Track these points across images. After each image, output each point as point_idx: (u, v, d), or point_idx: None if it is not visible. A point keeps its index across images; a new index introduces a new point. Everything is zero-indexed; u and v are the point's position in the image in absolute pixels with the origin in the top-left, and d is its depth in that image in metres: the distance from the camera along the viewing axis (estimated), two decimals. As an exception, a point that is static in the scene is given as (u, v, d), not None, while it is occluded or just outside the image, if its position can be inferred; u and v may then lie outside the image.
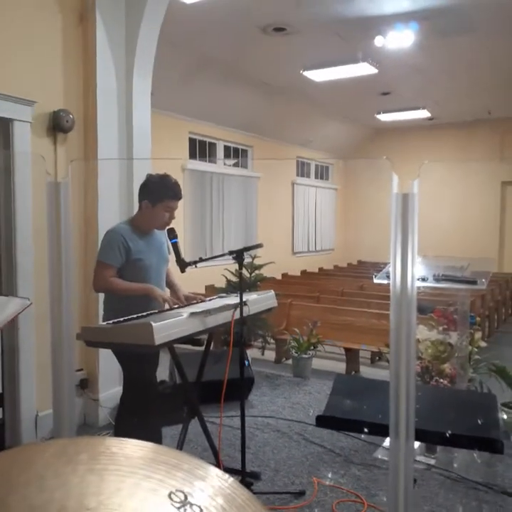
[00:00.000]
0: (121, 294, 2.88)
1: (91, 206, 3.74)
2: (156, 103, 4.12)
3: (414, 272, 1.12)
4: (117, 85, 3.78)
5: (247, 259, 5.12)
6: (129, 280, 2.89)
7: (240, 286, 2.72)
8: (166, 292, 3.05)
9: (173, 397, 3.84)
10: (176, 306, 2.90)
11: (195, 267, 2.90)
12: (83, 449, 0.78)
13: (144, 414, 2.99)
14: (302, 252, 10.83)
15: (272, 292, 3.29)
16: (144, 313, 2.74)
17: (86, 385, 3.79)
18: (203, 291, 7.20)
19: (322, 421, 1.70)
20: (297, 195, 10.64)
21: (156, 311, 2.82)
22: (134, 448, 0.85)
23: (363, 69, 6.69)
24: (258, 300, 3.09)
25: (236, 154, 9.14)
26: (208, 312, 2.63)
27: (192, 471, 0.85)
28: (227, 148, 8.90)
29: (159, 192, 2.92)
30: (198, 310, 2.61)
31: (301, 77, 7.15)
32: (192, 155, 8.16)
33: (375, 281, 3.44)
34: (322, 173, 11.86)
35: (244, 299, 2.67)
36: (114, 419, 3.40)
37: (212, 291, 7.06)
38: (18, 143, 3.33)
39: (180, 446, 2.85)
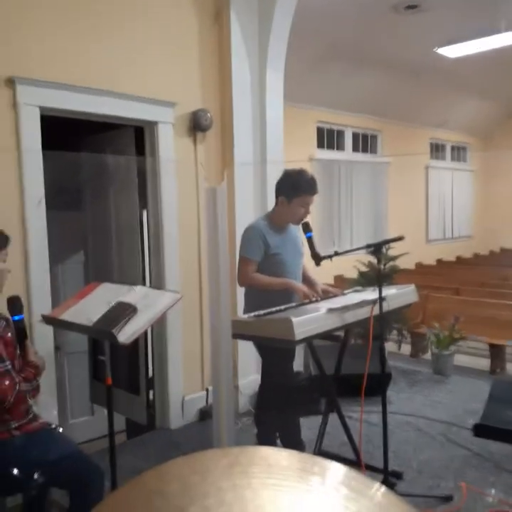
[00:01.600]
0: (263, 288, 2.94)
1: (228, 204, 3.87)
2: (285, 94, 4.14)
3: None
4: (251, 80, 3.85)
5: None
6: (267, 274, 2.94)
7: (378, 281, 2.62)
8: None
9: (309, 389, 3.85)
10: (313, 299, 2.89)
11: (331, 260, 2.86)
12: (256, 461, 0.78)
13: (282, 404, 3.04)
14: (437, 239, 10.25)
15: (413, 286, 3.15)
16: (283, 307, 2.77)
17: (227, 372, 3.95)
18: (332, 281, 7.14)
19: (481, 430, 1.58)
20: (431, 179, 10.08)
21: (294, 304, 2.83)
22: (307, 463, 0.83)
23: (507, 39, 6.10)
24: (397, 295, 2.97)
25: (365, 140, 8.88)
26: (346, 308, 2.58)
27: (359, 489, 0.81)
28: (355, 135, 8.69)
29: (295, 187, 2.93)
30: (336, 305, 2.57)
31: (435, 54, 6.75)
32: (320, 144, 8.09)
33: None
34: (459, 154, 11.11)
35: (383, 295, 2.58)
36: (254, 409, 3.50)
37: (341, 281, 6.98)
38: (163, 144, 3.53)
39: (320, 439, 2.85)
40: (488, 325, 5.28)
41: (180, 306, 3.39)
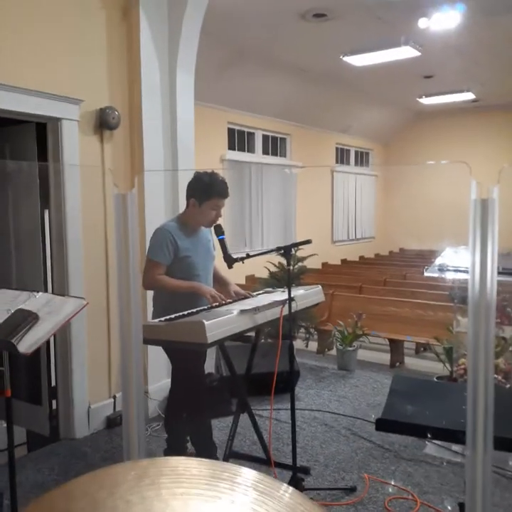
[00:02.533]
0: (170, 291, 2.91)
1: (138, 208, 3.78)
2: (195, 94, 4.13)
3: (494, 276, 1.08)
4: (161, 80, 3.79)
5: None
6: (177, 277, 2.91)
7: (288, 283, 2.69)
8: (212, 288, 3.06)
9: (221, 390, 3.87)
10: (222, 302, 2.91)
11: (242, 262, 2.90)
12: (164, 471, 0.77)
13: (193, 407, 3.02)
14: (342, 240, 10.70)
15: (319, 287, 3.27)
16: (194, 310, 2.76)
17: (136, 378, 3.85)
18: (244, 281, 7.22)
19: (382, 424, 1.67)
20: (337, 183, 10.50)
21: (206, 307, 2.83)
22: (217, 470, 0.83)
23: (406, 52, 6.53)
24: (305, 295, 3.07)
25: (274, 143, 9.07)
26: (257, 309, 2.62)
27: (268, 492, 0.83)
28: (265, 138, 8.84)
29: (207, 190, 2.93)
30: (247, 307, 2.61)
31: (341, 62, 7.04)
32: (231, 145, 8.14)
33: (426, 274, 3.36)
34: (362, 159, 11.66)
35: (292, 295, 2.65)
36: (164, 413, 3.45)
37: (252, 281, 7.08)
38: (67, 142, 3.38)
39: (230, 441, 2.87)
40: (389, 321, 5.60)
41: (85, 311, 3.27)
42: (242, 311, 2.53)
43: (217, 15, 5.15)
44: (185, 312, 2.72)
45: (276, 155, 9.11)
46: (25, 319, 2.09)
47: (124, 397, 2.03)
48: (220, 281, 3.18)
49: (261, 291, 3.35)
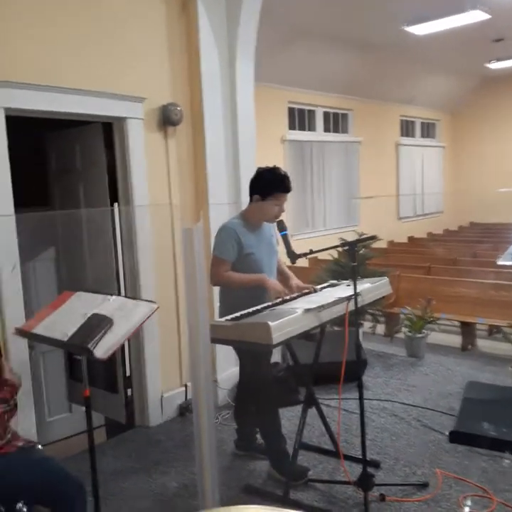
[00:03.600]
0: (236, 287, 2.95)
1: (201, 195, 3.83)
2: (255, 75, 4.09)
3: None
4: (221, 71, 3.77)
5: (352, 233, 5.01)
6: (241, 272, 2.94)
7: (353, 279, 2.63)
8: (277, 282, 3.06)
9: (288, 380, 3.90)
10: (286, 297, 2.91)
11: (306, 258, 2.88)
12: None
13: (261, 400, 3.07)
14: (408, 217, 10.38)
15: (386, 279, 3.19)
16: (259, 308, 2.78)
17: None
18: (306, 264, 7.17)
19: (456, 436, 1.63)
20: (402, 157, 10.15)
21: (270, 304, 2.84)
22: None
23: (473, 17, 6.20)
24: (372, 289, 3.01)
25: (336, 120, 8.86)
26: (322, 307, 2.60)
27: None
28: (326, 115, 8.65)
29: (269, 186, 2.93)
30: (311, 305, 2.59)
31: (403, 32, 6.77)
32: (291, 125, 8.03)
33: (499, 263, 3.20)
34: (428, 131, 11.18)
35: (357, 290, 2.60)
36: (234, 404, 3.53)
37: (315, 262, 7.02)
38: (133, 140, 3.45)
39: (299, 435, 2.90)
40: (460, 303, 5.41)
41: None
42: (307, 310, 2.52)
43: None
44: (251, 310, 2.75)
45: (337, 132, 8.90)
46: (100, 324, 2.18)
47: (194, 389, 2.10)
48: (282, 275, 3.19)
49: (325, 285, 3.32)
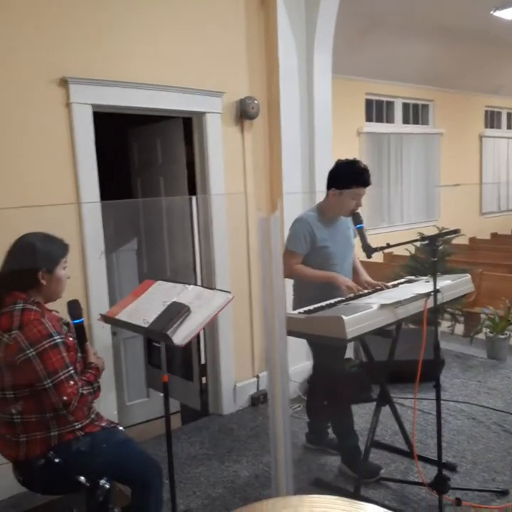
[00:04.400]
0: (307, 281, 2.94)
1: (276, 188, 3.84)
2: (332, 67, 4.04)
3: None
4: (298, 64, 3.76)
5: (431, 228, 4.83)
6: (314, 267, 2.92)
7: (433, 276, 2.54)
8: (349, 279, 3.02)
9: (361, 376, 3.85)
10: (357, 292, 2.86)
11: (382, 252, 2.82)
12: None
13: (333, 395, 3.05)
14: (492, 212, 9.87)
15: (468, 276, 3.06)
16: (333, 301, 2.75)
17: (276, 359, 3.99)
18: (381, 259, 7.01)
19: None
20: (486, 149, 9.65)
21: (344, 298, 2.81)
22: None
23: None
24: (452, 286, 2.89)
25: (415, 111, 8.57)
26: (398, 303, 2.54)
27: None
28: (405, 106, 8.39)
29: (347, 179, 2.88)
30: (387, 301, 2.53)
31: (490, 17, 6.40)
32: (368, 117, 7.87)
33: None
34: (515, 121, 10.55)
35: (437, 286, 2.52)
36: (306, 398, 3.54)
37: (391, 258, 6.85)
38: (211, 133, 3.52)
39: (372, 432, 2.86)
40: (546, 304, 5.08)
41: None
42: (383, 306, 2.47)
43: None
44: (325, 303, 2.73)
45: (417, 123, 8.60)
46: (178, 312, 2.25)
47: (270, 384, 2.12)
48: (354, 270, 3.14)
49: (403, 280, 3.23)
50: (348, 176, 2.88)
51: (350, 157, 2.97)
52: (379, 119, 8.06)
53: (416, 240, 2.76)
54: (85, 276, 3.04)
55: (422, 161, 8.54)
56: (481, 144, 9.58)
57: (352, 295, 2.83)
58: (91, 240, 3.07)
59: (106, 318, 2.50)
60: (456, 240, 6.10)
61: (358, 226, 2.89)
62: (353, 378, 3.80)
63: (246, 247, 3.81)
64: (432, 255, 2.56)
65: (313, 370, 3.21)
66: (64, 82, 2.84)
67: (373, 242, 2.78)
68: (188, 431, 3.62)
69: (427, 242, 2.59)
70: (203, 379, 3.92)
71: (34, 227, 2.02)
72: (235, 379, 3.84)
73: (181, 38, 3.31)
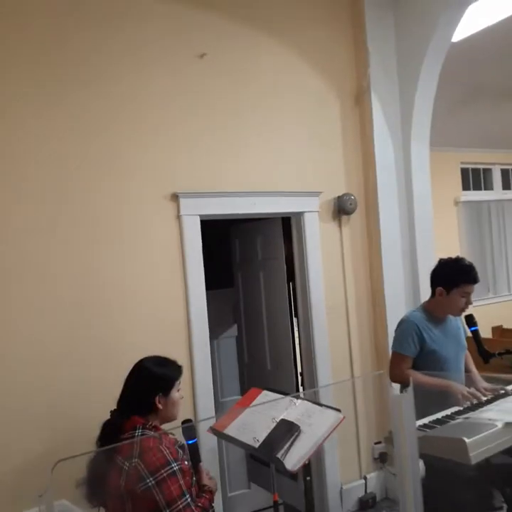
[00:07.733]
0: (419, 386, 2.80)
1: (376, 282, 3.79)
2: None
3: None
4: (395, 157, 3.78)
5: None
6: (424, 370, 2.79)
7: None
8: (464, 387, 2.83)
9: (479, 481, 3.53)
10: (475, 401, 2.67)
11: (501, 357, 2.65)
12: None
13: (453, 500, 2.81)
14: None
15: None
16: (449, 412, 2.59)
17: (385, 458, 3.79)
18: (490, 334, 6.57)
19: None
20: None
21: (461, 408, 2.64)
22: None
23: None
24: None
25: (516, 176, 8.22)
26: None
27: None
28: (504, 172, 8.09)
29: (454, 277, 2.79)
30: (510, 416, 2.34)
31: None
32: (465, 186, 7.66)
33: None
34: None
35: None
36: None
37: (500, 333, 6.41)
38: (309, 230, 3.59)
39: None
40: None
41: (332, 396, 3.37)
42: (508, 424, 2.28)
43: (447, 60, 4.94)
44: (440, 415, 2.57)
45: (518, 189, 8.23)
46: (288, 432, 2.23)
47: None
48: (470, 376, 2.94)
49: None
50: (455, 274, 2.80)
51: (451, 251, 2.90)
52: (477, 187, 7.82)
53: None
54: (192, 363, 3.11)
55: (527, 226, 8.10)
56: None
57: (468, 405, 2.66)
58: (198, 324, 3.17)
59: (215, 431, 2.52)
60: None
61: (473, 328, 2.76)
62: (472, 484, 3.49)
63: (347, 339, 3.75)
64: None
65: (427, 471, 2.98)
66: (175, 197, 3.07)
67: (479, 314, 2.65)
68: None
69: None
70: (307, 478, 3.79)
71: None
72: (341, 481, 3.67)
73: (280, 144, 3.47)
